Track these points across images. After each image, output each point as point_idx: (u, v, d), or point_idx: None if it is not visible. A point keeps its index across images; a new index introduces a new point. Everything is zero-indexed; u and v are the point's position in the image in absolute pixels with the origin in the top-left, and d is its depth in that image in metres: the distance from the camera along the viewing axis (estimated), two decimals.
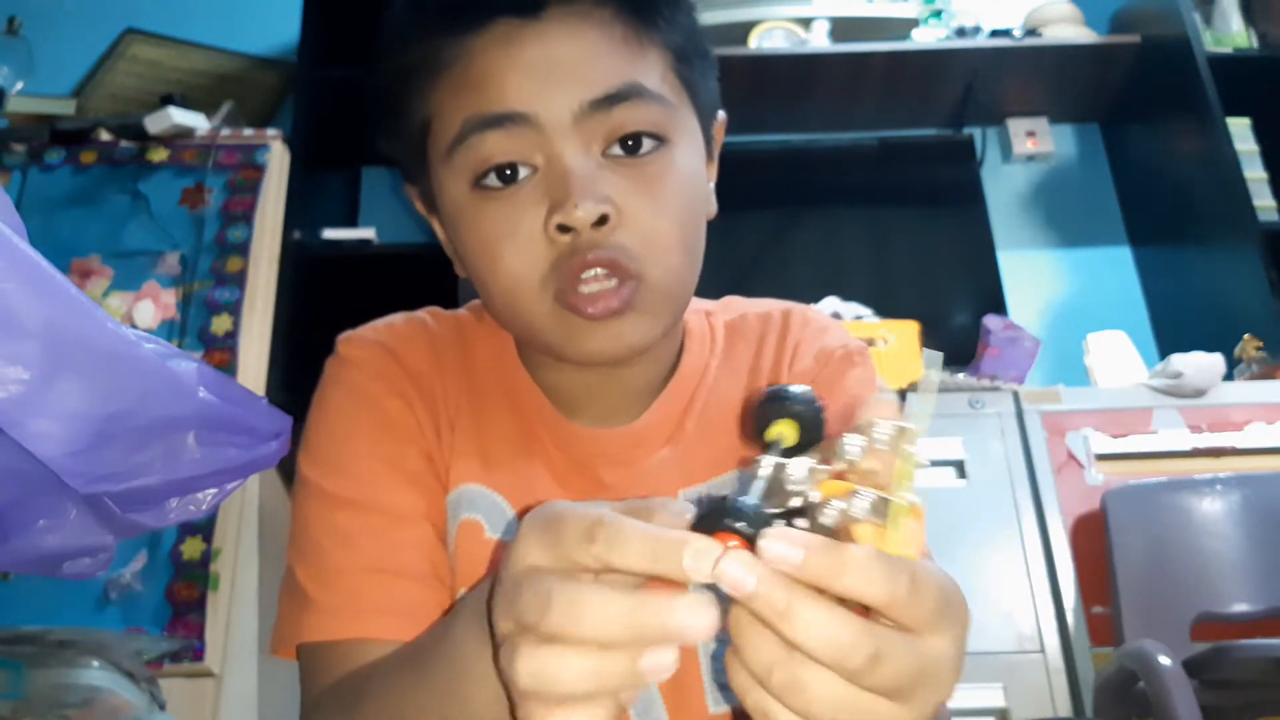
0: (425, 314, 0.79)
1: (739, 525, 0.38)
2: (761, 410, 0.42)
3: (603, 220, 0.61)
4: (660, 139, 0.64)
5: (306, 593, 0.66)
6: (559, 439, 0.72)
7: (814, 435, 0.42)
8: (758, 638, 0.39)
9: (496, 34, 0.63)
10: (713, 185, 0.72)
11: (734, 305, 0.82)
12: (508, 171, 0.63)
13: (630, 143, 0.64)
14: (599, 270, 0.62)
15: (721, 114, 0.74)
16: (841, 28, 2.52)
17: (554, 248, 0.62)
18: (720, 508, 0.38)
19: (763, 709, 0.40)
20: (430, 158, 0.68)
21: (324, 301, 2.22)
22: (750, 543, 0.37)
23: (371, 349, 0.73)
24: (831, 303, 2.17)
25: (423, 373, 0.73)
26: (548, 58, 0.63)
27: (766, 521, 0.38)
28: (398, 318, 0.78)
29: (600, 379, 0.71)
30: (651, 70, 0.65)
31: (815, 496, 0.40)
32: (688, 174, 0.66)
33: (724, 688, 0.68)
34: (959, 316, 2.46)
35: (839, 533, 0.39)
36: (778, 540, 0.37)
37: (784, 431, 0.42)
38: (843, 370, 0.74)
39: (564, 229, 0.61)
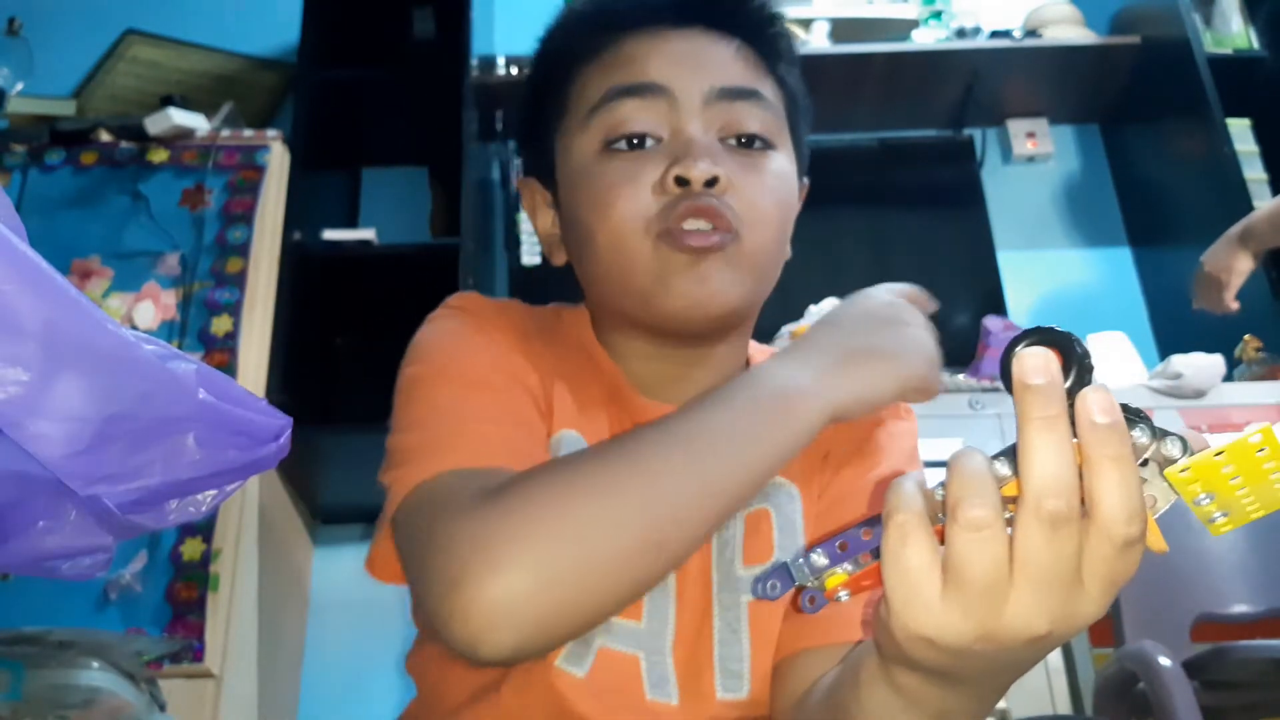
0: (542, 312, 0.84)
1: (1061, 335, 0.39)
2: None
3: (713, 182, 0.69)
4: (768, 143, 0.74)
5: (436, 441, 0.66)
6: (634, 412, 0.76)
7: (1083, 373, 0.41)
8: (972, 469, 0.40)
9: (649, 32, 0.75)
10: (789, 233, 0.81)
11: None
12: (636, 140, 0.72)
13: (745, 139, 0.73)
14: (702, 222, 0.69)
15: (806, 180, 0.84)
16: (841, 28, 2.52)
17: (666, 196, 0.70)
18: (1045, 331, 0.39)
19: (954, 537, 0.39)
20: (561, 131, 0.77)
21: (324, 302, 2.22)
22: (1064, 350, 0.39)
23: (483, 303, 0.79)
24: (832, 303, 2.17)
25: (526, 333, 0.77)
26: (690, 50, 0.74)
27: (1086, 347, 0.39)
28: (514, 303, 0.83)
29: (675, 370, 0.76)
30: (769, 91, 0.76)
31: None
32: (785, 179, 0.76)
33: (732, 675, 0.71)
34: (959, 316, 2.45)
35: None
36: (1103, 394, 0.38)
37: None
38: (888, 417, 0.80)
39: (681, 181, 0.69)
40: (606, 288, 0.75)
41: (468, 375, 0.71)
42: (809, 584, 0.43)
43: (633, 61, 0.74)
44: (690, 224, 0.69)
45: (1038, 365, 0.38)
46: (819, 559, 0.43)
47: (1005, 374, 0.40)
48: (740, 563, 0.73)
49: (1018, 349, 0.39)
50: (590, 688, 0.68)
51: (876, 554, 0.42)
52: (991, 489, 0.39)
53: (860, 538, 0.43)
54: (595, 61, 0.75)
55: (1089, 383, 0.39)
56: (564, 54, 0.78)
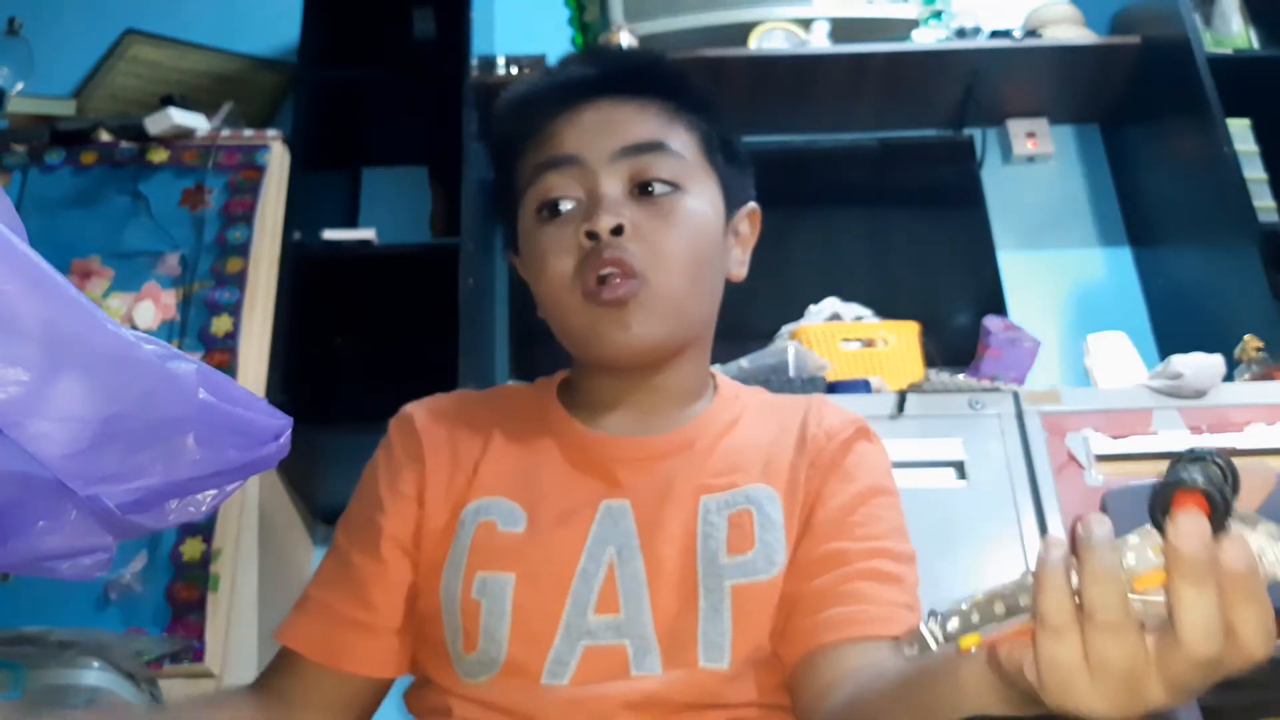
0: (486, 391, 0.99)
1: (1207, 487, 0.43)
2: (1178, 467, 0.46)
3: (618, 230, 0.81)
4: (675, 186, 0.85)
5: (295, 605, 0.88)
6: (581, 444, 0.88)
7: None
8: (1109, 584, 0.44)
9: (564, 111, 0.87)
10: (747, 256, 0.93)
11: (763, 392, 0.98)
12: (559, 206, 0.85)
13: (650, 188, 0.84)
14: (612, 270, 0.81)
15: (754, 205, 0.94)
16: (841, 28, 2.51)
17: (582, 250, 0.82)
18: (1189, 474, 0.44)
19: (1057, 657, 0.45)
20: (517, 209, 0.89)
21: (324, 302, 2.22)
22: (1209, 501, 0.43)
23: (408, 423, 0.92)
24: (831, 303, 2.16)
25: (453, 434, 0.90)
26: (597, 119, 0.86)
27: (1226, 491, 0.43)
28: (457, 394, 0.97)
29: (631, 395, 0.89)
30: (677, 138, 0.87)
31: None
32: (696, 216, 0.85)
33: (714, 646, 0.78)
34: (959, 317, 2.45)
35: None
36: (1240, 544, 0.43)
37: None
38: (859, 438, 0.90)
39: (591, 235, 0.81)
40: (559, 335, 0.89)
41: (339, 542, 0.89)
42: (940, 644, 0.48)
43: (551, 138, 0.86)
44: (605, 272, 0.80)
45: (1194, 530, 0.43)
46: (954, 626, 0.48)
47: (1155, 517, 0.44)
48: (724, 553, 0.81)
49: (1174, 514, 0.43)
50: (571, 693, 0.77)
51: (1005, 617, 0.47)
52: (1121, 593, 0.44)
53: (992, 610, 0.47)
54: (526, 145, 0.88)
55: (1227, 523, 0.44)
56: (505, 141, 0.91)
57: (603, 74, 0.89)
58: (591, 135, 0.85)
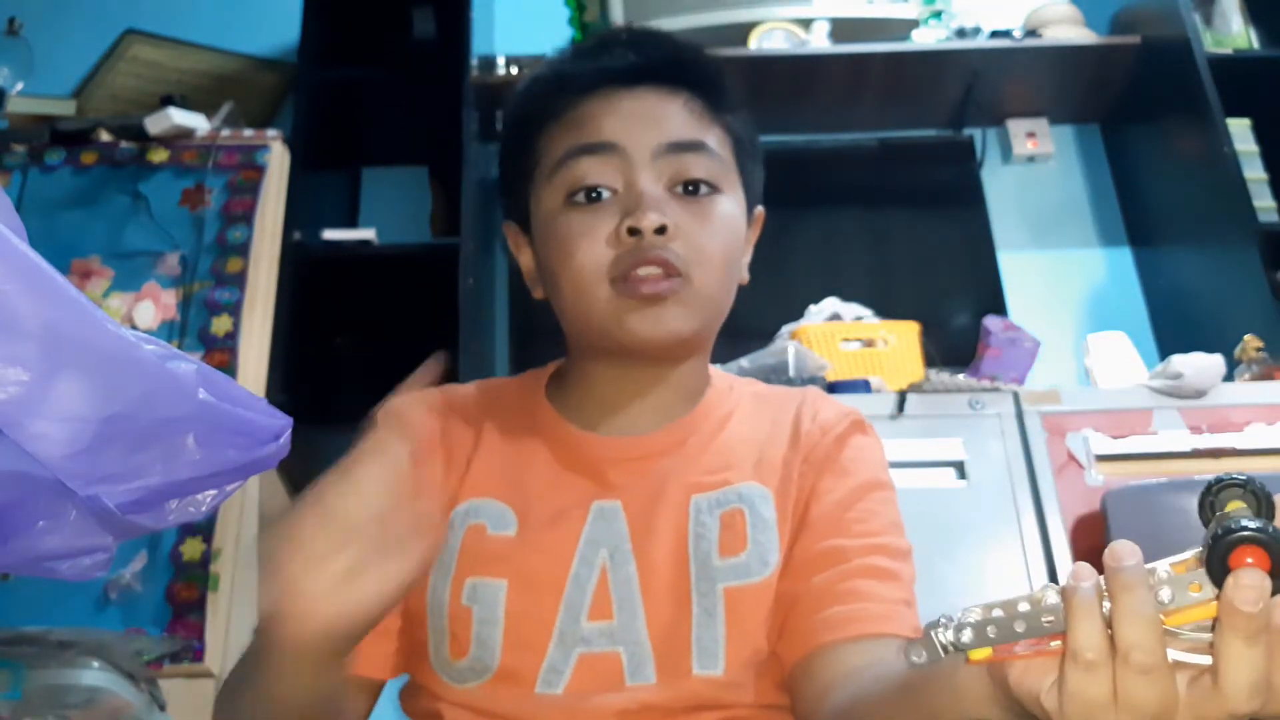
0: (473, 384, 0.94)
1: (1270, 540, 0.42)
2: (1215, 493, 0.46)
3: (662, 230, 0.79)
4: (715, 188, 0.83)
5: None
6: (570, 444, 0.86)
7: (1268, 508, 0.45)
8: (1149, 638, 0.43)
9: (602, 94, 0.84)
10: (747, 261, 0.90)
11: (756, 383, 0.96)
12: (593, 193, 0.81)
13: (691, 187, 0.82)
14: (653, 268, 0.79)
15: (761, 208, 0.92)
16: (841, 29, 2.51)
17: (620, 247, 0.79)
18: (1240, 528, 0.42)
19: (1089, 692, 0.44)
20: (533, 185, 0.86)
21: (324, 302, 2.22)
22: (1266, 550, 0.42)
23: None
24: (831, 303, 2.17)
25: (445, 427, 0.88)
26: (639, 109, 0.83)
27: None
28: (445, 388, 0.94)
29: (638, 388, 0.87)
30: (715, 137, 0.85)
31: None
32: (731, 218, 0.84)
33: (708, 653, 0.78)
34: (959, 317, 2.45)
35: None
36: None
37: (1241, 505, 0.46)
38: (854, 431, 0.89)
39: (633, 231, 0.78)
40: (574, 322, 0.85)
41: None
42: (950, 654, 0.47)
43: (588, 122, 0.83)
44: (643, 270, 0.78)
45: (1257, 587, 0.42)
46: (967, 638, 0.46)
47: (1211, 566, 0.43)
48: (716, 555, 0.80)
49: (1235, 569, 0.42)
50: (565, 702, 0.77)
51: (1021, 635, 0.46)
52: (1158, 635, 0.43)
53: (1013, 629, 0.46)
54: (557, 122, 0.84)
55: None
56: (531, 117, 0.87)
57: (645, 62, 0.85)
58: (634, 125, 0.82)
